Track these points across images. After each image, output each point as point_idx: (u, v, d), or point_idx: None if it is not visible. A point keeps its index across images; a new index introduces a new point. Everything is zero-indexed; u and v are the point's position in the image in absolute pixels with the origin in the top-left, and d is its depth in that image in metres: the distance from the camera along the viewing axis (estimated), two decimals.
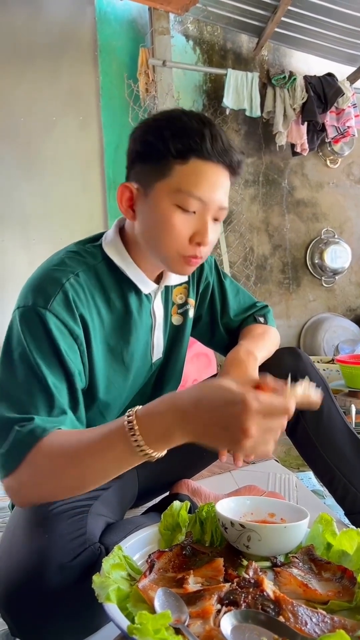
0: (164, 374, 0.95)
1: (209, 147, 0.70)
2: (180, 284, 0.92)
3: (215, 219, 0.76)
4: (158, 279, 0.85)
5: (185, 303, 0.94)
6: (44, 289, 0.71)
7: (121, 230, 0.83)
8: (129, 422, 0.56)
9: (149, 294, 0.84)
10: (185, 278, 0.91)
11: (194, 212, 0.73)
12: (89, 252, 0.79)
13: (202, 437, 0.55)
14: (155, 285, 0.84)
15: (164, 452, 0.58)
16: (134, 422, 0.56)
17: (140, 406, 0.58)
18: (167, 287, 0.89)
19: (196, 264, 0.77)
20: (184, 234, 0.73)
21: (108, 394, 0.81)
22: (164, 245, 0.75)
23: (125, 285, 0.80)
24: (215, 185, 0.72)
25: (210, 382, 0.56)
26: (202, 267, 0.97)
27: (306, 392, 0.58)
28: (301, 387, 0.58)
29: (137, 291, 0.82)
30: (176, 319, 0.94)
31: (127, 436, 0.56)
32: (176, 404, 0.56)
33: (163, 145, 0.70)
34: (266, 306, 1.06)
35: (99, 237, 0.84)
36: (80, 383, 0.73)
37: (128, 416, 0.57)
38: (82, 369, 0.73)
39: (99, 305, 0.77)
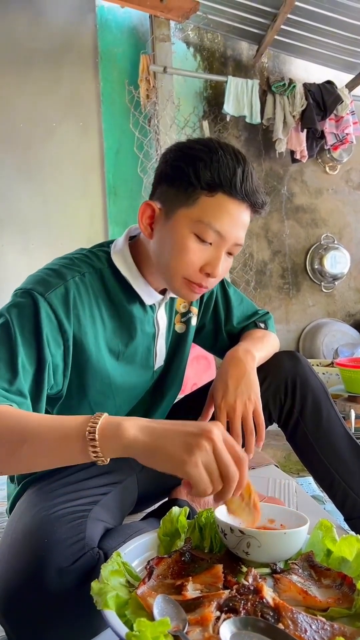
0: (165, 381, 0.95)
1: (238, 185, 0.71)
2: None
3: (229, 253, 0.77)
4: (164, 290, 0.86)
5: (188, 311, 0.95)
6: (46, 279, 0.72)
7: (131, 240, 0.84)
8: (97, 415, 0.57)
9: (153, 304, 0.85)
10: None
11: (210, 244, 0.74)
12: (97, 256, 0.80)
13: (157, 437, 0.55)
14: (160, 296, 0.84)
15: (107, 460, 0.57)
16: (101, 417, 0.57)
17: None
18: (172, 297, 0.90)
19: (200, 292, 0.78)
20: (195, 262, 0.75)
21: (100, 394, 0.81)
22: (173, 269, 0.76)
23: (130, 294, 0.81)
24: (236, 222, 0.74)
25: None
26: None
27: (256, 506, 0.62)
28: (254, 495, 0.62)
29: (142, 301, 0.82)
30: (179, 327, 0.94)
31: (85, 425, 0.56)
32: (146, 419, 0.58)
33: (194, 175, 0.71)
34: (267, 313, 1.07)
35: (108, 243, 0.85)
36: (52, 381, 0.72)
37: (97, 415, 0.57)
38: (62, 367, 0.73)
39: (102, 307, 0.77)
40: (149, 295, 0.82)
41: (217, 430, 0.55)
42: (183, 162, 0.73)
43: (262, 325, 1.03)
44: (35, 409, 0.69)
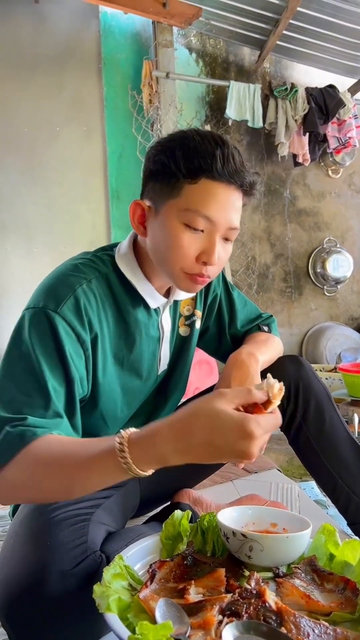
0: (168, 385, 0.95)
1: (220, 167, 0.70)
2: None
3: (226, 239, 0.76)
4: (168, 293, 0.86)
5: (192, 315, 0.95)
6: (55, 292, 0.71)
7: (134, 243, 0.84)
8: (120, 445, 0.56)
9: (158, 307, 0.84)
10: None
11: (202, 231, 0.73)
12: (102, 260, 0.80)
13: (198, 458, 0.55)
14: (164, 300, 0.84)
15: (152, 471, 0.58)
16: (125, 446, 0.55)
17: (133, 429, 0.58)
18: (175, 300, 0.90)
19: (203, 282, 0.77)
20: (190, 253, 0.74)
21: (110, 402, 0.80)
22: (170, 263, 0.75)
23: (135, 298, 0.81)
24: (225, 206, 0.72)
25: (202, 404, 0.55)
26: None
27: (280, 388, 0.59)
28: (277, 385, 0.59)
29: (146, 305, 0.82)
30: (183, 330, 0.94)
31: (117, 458, 0.55)
32: (170, 428, 0.55)
33: (174, 165, 0.71)
34: (271, 316, 1.07)
35: (112, 246, 0.85)
36: (81, 391, 0.72)
37: (119, 442, 0.56)
38: (85, 376, 0.73)
39: (108, 313, 0.77)
40: (153, 298, 0.82)
41: (257, 448, 0.53)
42: (163, 155, 0.73)
43: (265, 328, 1.02)
44: (73, 424, 0.70)
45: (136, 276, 0.80)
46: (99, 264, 0.79)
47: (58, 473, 0.59)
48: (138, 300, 0.81)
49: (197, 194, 0.71)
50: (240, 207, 0.75)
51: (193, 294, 0.92)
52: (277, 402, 0.57)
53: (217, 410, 0.54)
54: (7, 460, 0.60)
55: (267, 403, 0.57)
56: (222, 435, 0.53)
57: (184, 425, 0.55)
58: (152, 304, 0.82)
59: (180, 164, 0.71)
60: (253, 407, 0.56)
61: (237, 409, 0.55)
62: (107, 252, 0.82)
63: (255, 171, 0.76)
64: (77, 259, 0.80)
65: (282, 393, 0.59)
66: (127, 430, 0.57)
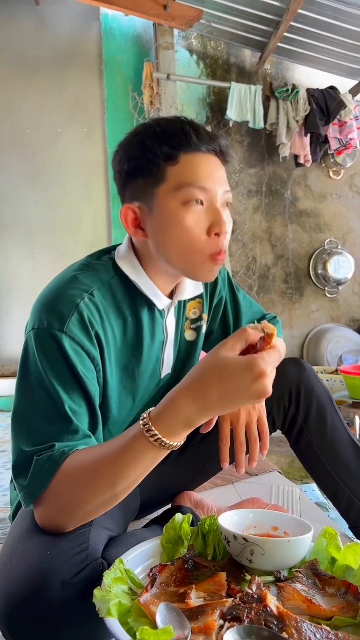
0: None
1: (195, 139, 0.71)
2: (194, 298, 0.90)
3: (225, 204, 0.75)
4: (171, 295, 0.84)
5: (199, 318, 0.92)
6: (58, 309, 0.69)
7: (132, 246, 0.81)
8: (144, 425, 0.59)
9: (162, 309, 0.82)
10: (200, 290, 0.89)
11: (202, 204, 0.72)
12: (102, 265, 0.78)
13: (220, 410, 0.57)
14: (168, 300, 0.82)
15: (184, 440, 0.61)
16: (150, 424, 0.58)
17: (152, 408, 0.60)
18: (180, 302, 0.88)
19: (222, 261, 0.75)
20: (200, 229, 0.72)
21: (118, 413, 0.79)
22: (185, 250, 0.73)
23: (139, 302, 0.79)
24: (212, 172, 0.73)
25: (208, 358, 0.58)
26: (215, 281, 0.95)
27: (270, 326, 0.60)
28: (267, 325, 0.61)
29: (150, 307, 0.80)
30: (189, 335, 0.91)
31: (147, 439, 0.58)
32: (185, 391, 0.58)
33: (150, 154, 0.71)
34: (275, 317, 1.06)
35: (113, 248, 0.83)
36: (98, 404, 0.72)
37: (143, 424, 0.59)
38: (99, 390, 0.73)
39: (113, 323, 0.75)
40: (158, 298, 0.80)
41: (263, 364, 0.55)
42: (135, 151, 0.73)
43: None
44: (96, 436, 0.70)
45: (139, 276, 0.78)
46: (100, 271, 0.76)
47: (98, 476, 0.60)
48: (142, 302, 0.79)
49: (182, 170, 0.71)
50: (224, 173, 0.75)
51: (199, 291, 0.89)
52: (274, 335, 0.59)
53: (223, 360, 0.56)
54: (45, 487, 0.62)
55: (267, 340, 0.58)
56: (234, 382, 0.55)
57: (197, 384, 0.57)
58: (159, 304, 0.80)
59: (156, 150, 0.71)
60: (253, 348, 0.59)
61: (241, 354, 0.58)
62: (107, 255, 0.81)
63: (223, 136, 0.78)
64: (76, 269, 0.77)
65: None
66: (147, 411, 0.60)
